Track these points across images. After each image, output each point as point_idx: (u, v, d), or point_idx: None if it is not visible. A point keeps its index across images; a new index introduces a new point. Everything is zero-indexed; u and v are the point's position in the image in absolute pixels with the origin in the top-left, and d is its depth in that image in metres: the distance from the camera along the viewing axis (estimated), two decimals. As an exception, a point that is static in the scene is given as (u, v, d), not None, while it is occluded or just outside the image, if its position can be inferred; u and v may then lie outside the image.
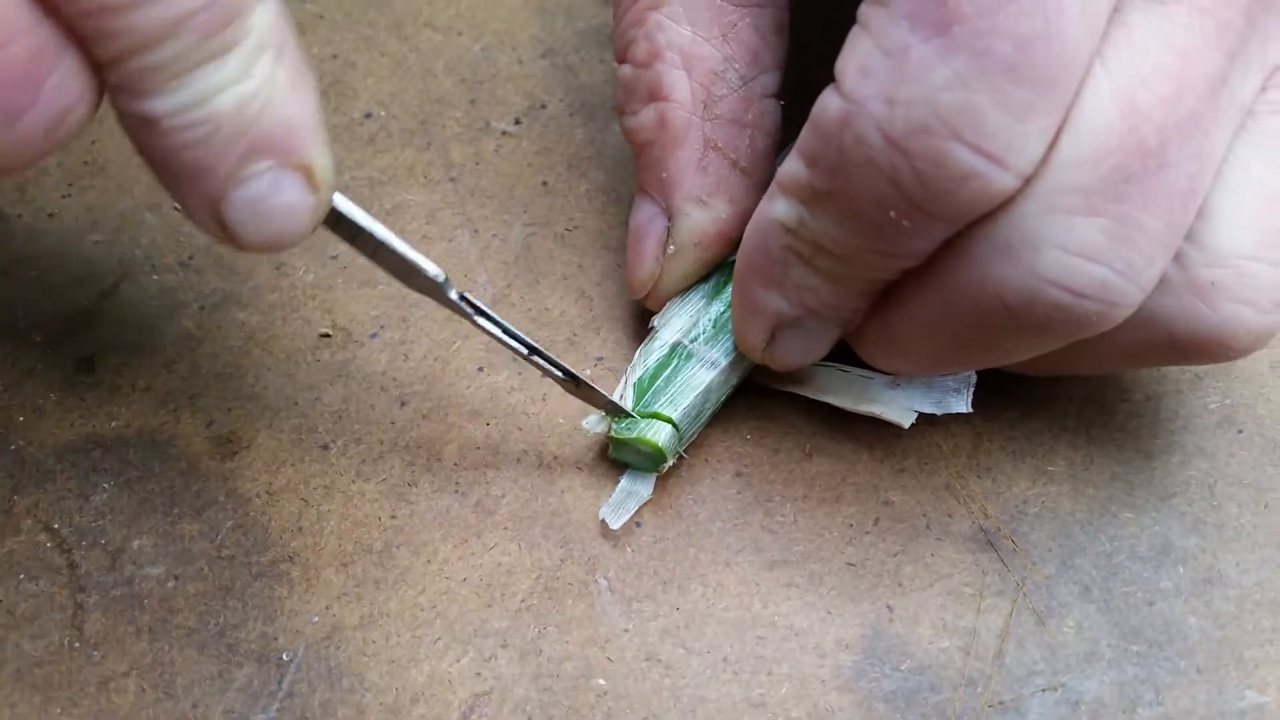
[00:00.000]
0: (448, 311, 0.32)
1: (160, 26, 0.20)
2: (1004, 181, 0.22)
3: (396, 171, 0.36)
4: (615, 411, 0.29)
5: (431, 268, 0.26)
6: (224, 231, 0.23)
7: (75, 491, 0.30)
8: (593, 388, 0.29)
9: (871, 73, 0.22)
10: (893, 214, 0.23)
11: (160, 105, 0.21)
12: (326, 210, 0.25)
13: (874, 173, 0.22)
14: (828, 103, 0.23)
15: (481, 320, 0.28)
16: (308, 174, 0.23)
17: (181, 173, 0.23)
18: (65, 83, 0.21)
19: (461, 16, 0.39)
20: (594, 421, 0.30)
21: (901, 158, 0.22)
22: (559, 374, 0.29)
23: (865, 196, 0.23)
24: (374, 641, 0.28)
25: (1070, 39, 0.21)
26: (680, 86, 0.28)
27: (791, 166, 0.25)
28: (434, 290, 0.27)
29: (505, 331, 0.28)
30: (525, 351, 0.28)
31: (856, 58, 0.22)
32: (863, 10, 0.23)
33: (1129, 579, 0.29)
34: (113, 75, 0.21)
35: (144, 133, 0.22)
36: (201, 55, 0.21)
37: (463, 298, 0.27)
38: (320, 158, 0.24)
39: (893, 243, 0.24)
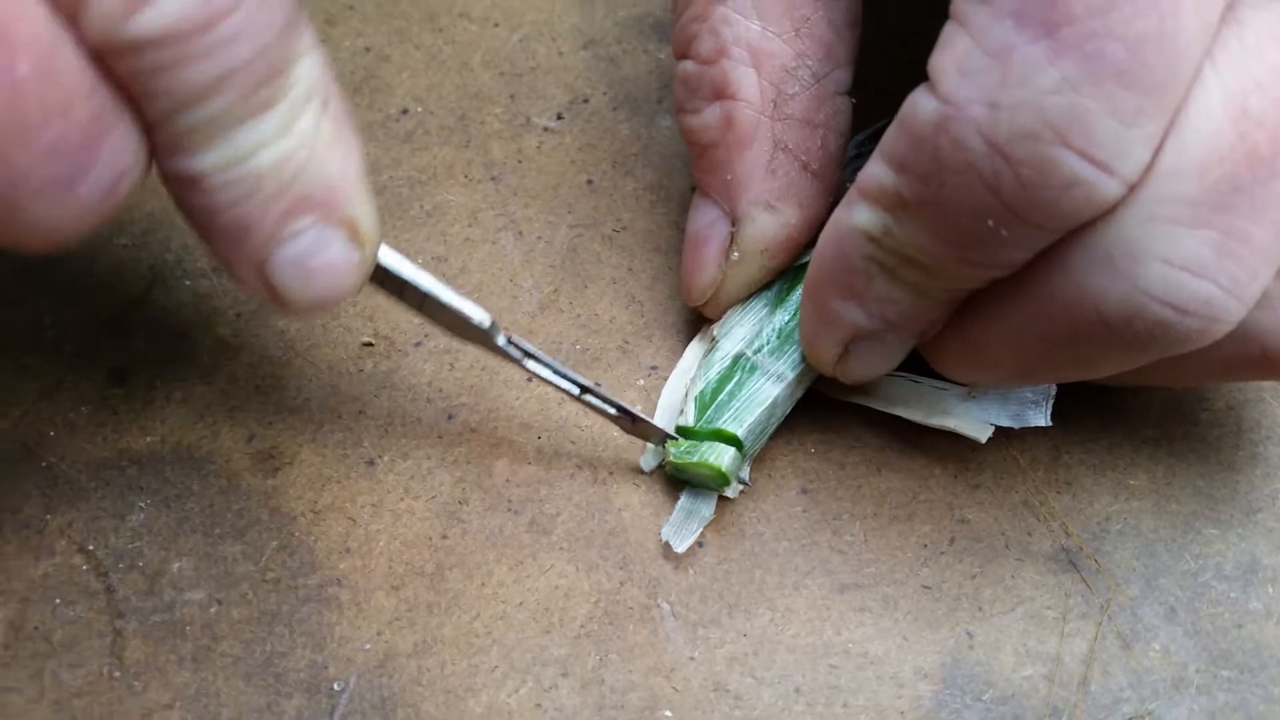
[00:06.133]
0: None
1: (207, 83, 0.20)
2: (1110, 189, 0.21)
3: (436, 170, 0.35)
4: (673, 440, 0.28)
5: (478, 313, 0.26)
6: (271, 293, 0.23)
7: (110, 511, 0.29)
8: (650, 423, 0.28)
9: (972, 74, 0.21)
10: (990, 223, 0.22)
11: (202, 163, 0.21)
12: (373, 265, 0.25)
13: (973, 179, 0.21)
14: (921, 104, 0.22)
15: (531, 364, 0.28)
16: (352, 230, 0.23)
17: (224, 233, 0.22)
18: (121, 145, 0.20)
19: (498, 6, 0.38)
20: (650, 460, 0.29)
21: (1004, 164, 0.21)
22: (612, 412, 0.28)
23: (961, 204, 0.22)
24: (429, 670, 0.27)
25: (1183, 40, 0.20)
26: (749, 84, 0.27)
27: (876, 171, 0.23)
28: (482, 337, 0.27)
29: (556, 373, 0.28)
30: (576, 392, 0.28)
31: (954, 57, 0.21)
32: (959, 6, 0.21)
33: (1216, 599, 0.28)
34: (159, 135, 0.21)
35: (186, 192, 0.22)
36: (244, 111, 0.21)
37: (510, 342, 0.27)
38: (364, 212, 0.23)
39: (987, 253, 0.23)
